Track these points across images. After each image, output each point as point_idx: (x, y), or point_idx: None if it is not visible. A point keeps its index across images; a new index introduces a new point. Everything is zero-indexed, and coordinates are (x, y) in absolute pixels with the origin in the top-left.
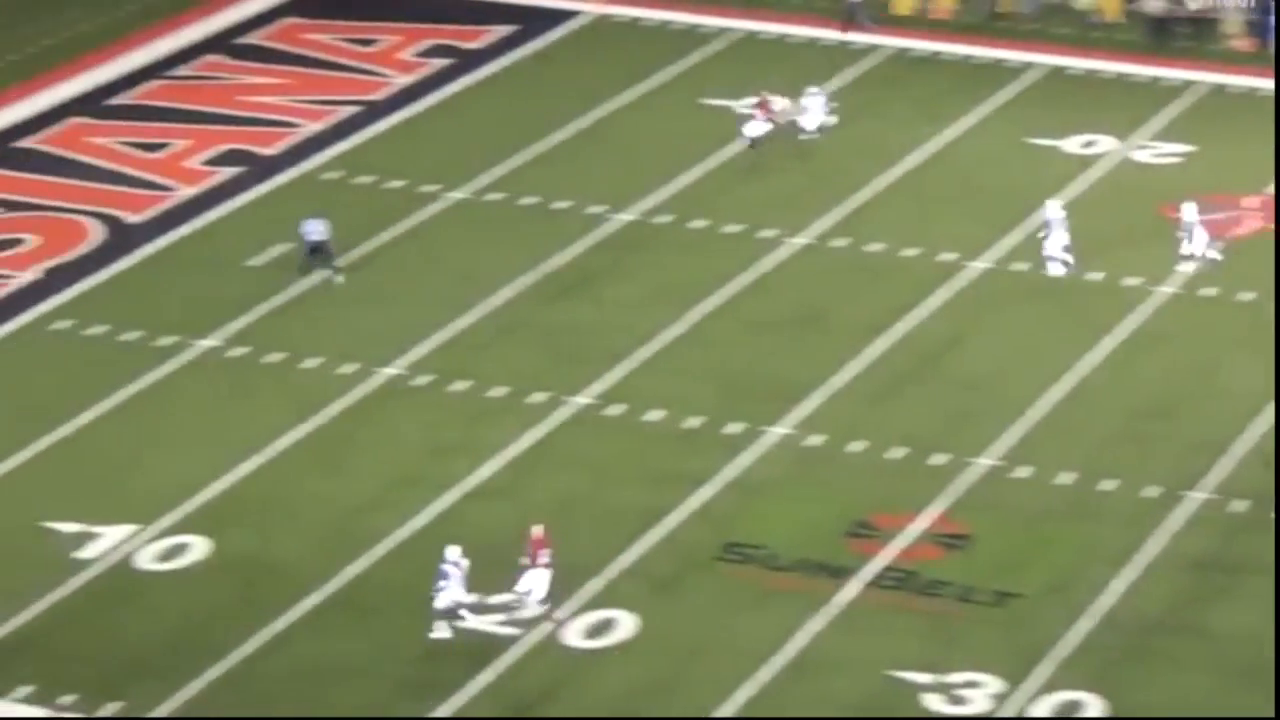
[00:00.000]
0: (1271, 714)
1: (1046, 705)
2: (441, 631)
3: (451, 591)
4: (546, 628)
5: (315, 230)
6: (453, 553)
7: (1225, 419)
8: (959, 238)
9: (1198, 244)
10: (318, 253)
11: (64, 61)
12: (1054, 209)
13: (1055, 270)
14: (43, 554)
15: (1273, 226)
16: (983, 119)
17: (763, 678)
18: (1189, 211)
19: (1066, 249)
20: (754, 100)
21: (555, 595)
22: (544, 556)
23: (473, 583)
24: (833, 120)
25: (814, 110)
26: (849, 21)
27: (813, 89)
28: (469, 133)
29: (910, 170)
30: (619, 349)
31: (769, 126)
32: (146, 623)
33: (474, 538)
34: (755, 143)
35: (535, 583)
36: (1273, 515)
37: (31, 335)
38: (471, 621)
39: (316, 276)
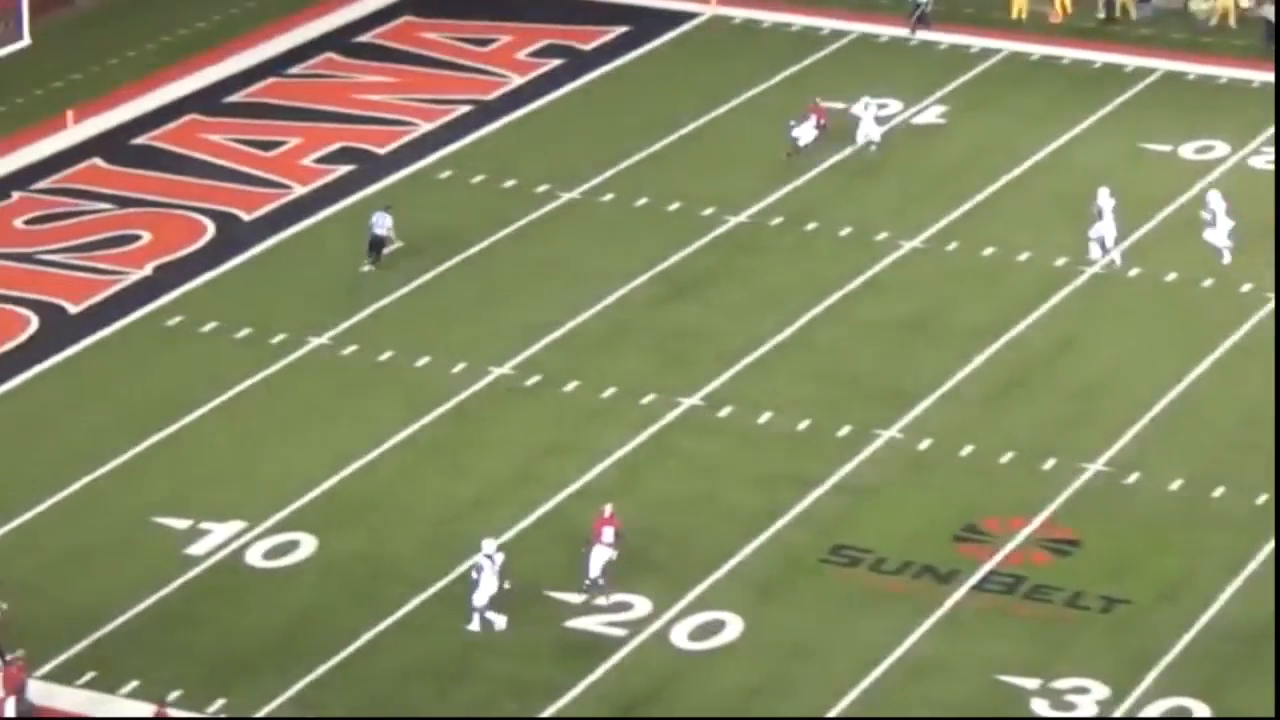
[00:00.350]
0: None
1: (1154, 712)
2: (477, 625)
3: (485, 585)
4: (655, 628)
5: (380, 223)
6: (488, 545)
7: None
8: (1072, 243)
9: (1220, 232)
10: (376, 245)
11: (181, 59)
12: (1104, 197)
13: (1094, 253)
14: (153, 550)
15: None
16: (1098, 124)
17: (869, 681)
18: (1215, 199)
19: (1115, 240)
20: (808, 106)
21: (661, 599)
22: (607, 535)
23: (584, 580)
24: (942, 121)
25: (866, 122)
26: (918, 22)
27: (866, 98)
28: (582, 133)
29: (1024, 174)
30: (729, 351)
31: (817, 133)
32: (254, 620)
33: (584, 537)
34: (803, 149)
35: (595, 561)
36: None
37: (144, 332)
38: (579, 623)
39: (434, 272)
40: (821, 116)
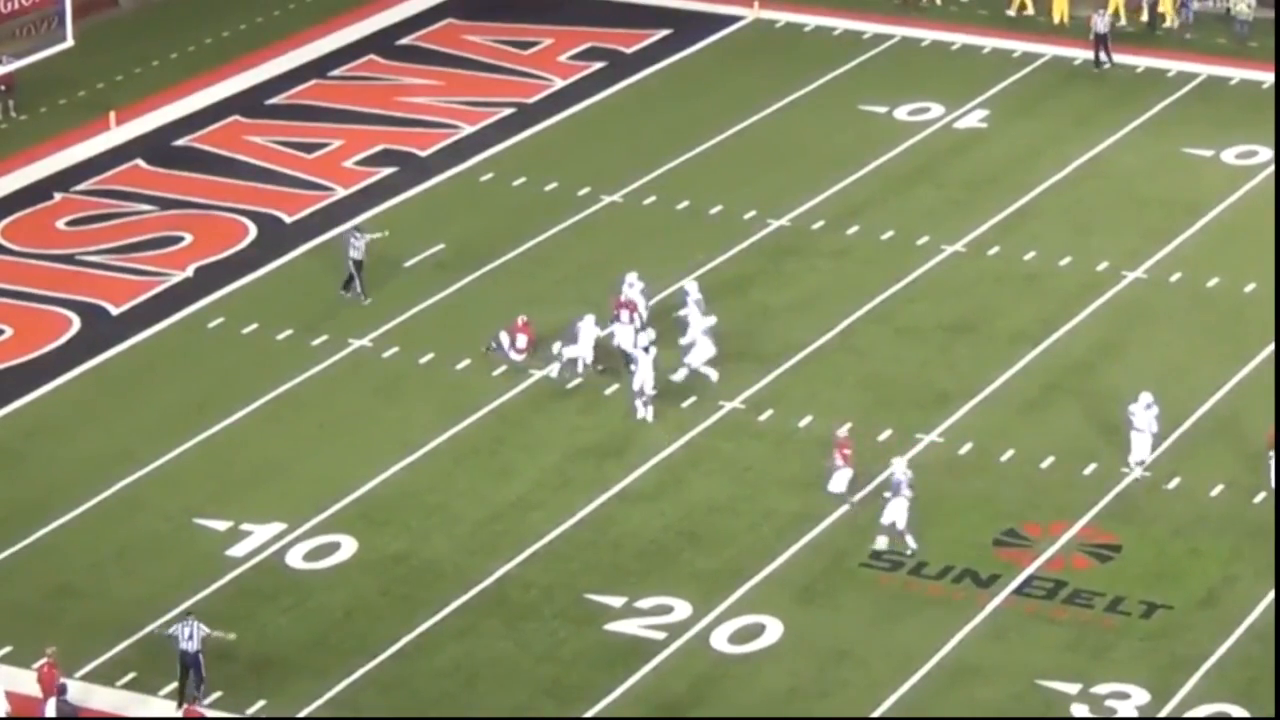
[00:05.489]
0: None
1: (1194, 716)
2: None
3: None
4: (695, 631)
5: (355, 246)
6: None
7: None
8: (1114, 248)
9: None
10: (356, 268)
11: (223, 60)
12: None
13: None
14: (194, 551)
15: None
16: (1140, 128)
17: (909, 684)
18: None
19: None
20: (515, 324)
21: (701, 603)
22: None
23: (624, 583)
24: (983, 126)
25: (693, 318)
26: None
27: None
28: (624, 136)
29: (1065, 179)
30: (770, 354)
31: (519, 356)
32: (294, 621)
33: (624, 540)
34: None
35: (839, 480)
36: None
37: (185, 333)
38: (619, 626)
39: (475, 274)
40: (528, 334)
